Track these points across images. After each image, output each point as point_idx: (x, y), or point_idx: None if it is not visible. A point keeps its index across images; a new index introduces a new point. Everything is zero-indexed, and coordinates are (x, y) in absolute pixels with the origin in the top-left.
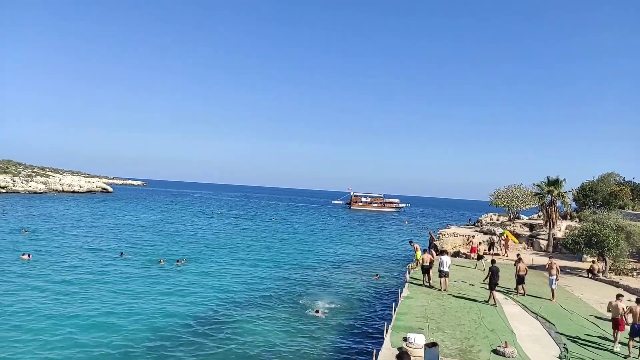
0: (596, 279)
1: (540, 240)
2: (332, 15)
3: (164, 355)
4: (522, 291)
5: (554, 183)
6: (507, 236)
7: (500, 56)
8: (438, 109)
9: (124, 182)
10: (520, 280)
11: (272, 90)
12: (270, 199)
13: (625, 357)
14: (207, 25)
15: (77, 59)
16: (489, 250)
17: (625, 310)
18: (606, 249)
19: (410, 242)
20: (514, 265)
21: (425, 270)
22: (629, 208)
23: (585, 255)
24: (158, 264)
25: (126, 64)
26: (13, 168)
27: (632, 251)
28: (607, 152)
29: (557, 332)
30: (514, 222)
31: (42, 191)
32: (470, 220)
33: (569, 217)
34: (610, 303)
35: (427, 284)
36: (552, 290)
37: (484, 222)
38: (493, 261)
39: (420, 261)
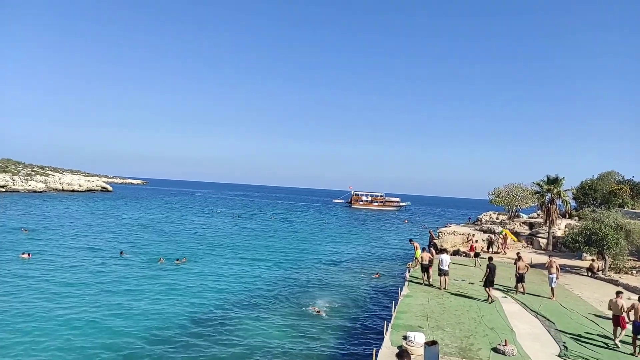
0: (596, 278)
1: (540, 239)
2: (333, 15)
3: (164, 355)
4: (521, 289)
5: (554, 181)
6: (505, 234)
7: (500, 55)
8: (438, 108)
9: (124, 181)
10: (520, 278)
11: (272, 90)
12: (270, 198)
13: (631, 354)
14: (207, 25)
15: (77, 59)
16: (488, 248)
17: (627, 307)
18: (606, 247)
19: (410, 240)
20: (514, 263)
21: (425, 268)
22: (628, 206)
23: (584, 254)
24: (158, 263)
25: (126, 63)
26: (13, 167)
27: (632, 249)
28: (607, 150)
29: (557, 331)
30: (513, 221)
31: (41, 190)
32: (469, 218)
33: (567, 216)
34: (610, 300)
35: (427, 283)
36: (552, 289)
37: (483, 220)
38: (490, 258)
39: (420, 260)
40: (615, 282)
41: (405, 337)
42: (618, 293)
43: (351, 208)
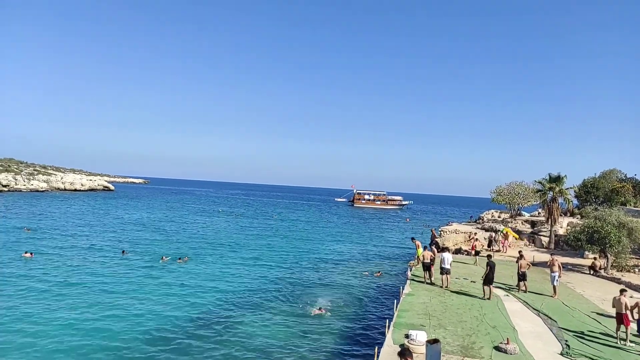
0: (598, 276)
1: (542, 237)
2: (333, 15)
3: (165, 355)
4: (523, 288)
5: (556, 180)
6: (507, 233)
7: (500, 55)
8: (438, 108)
9: (126, 180)
10: (522, 277)
11: (272, 90)
12: (271, 197)
13: (638, 353)
14: (207, 25)
15: (78, 58)
16: (489, 246)
17: (631, 305)
18: (608, 245)
19: (412, 239)
20: (516, 262)
21: (427, 267)
22: (630, 205)
23: (587, 252)
24: (160, 262)
25: (127, 63)
26: (15, 167)
27: (634, 247)
28: (609, 148)
29: (559, 329)
30: (515, 219)
31: (44, 189)
32: (471, 217)
33: (569, 214)
34: (614, 298)
35: (429, 281)
36: (554, 287)
37: (485, 219)
38: (489, 256)
39: (421, 258)
40: (618, 281)
41: (407, 336)
42: (622, 291)
43: (353, 207)
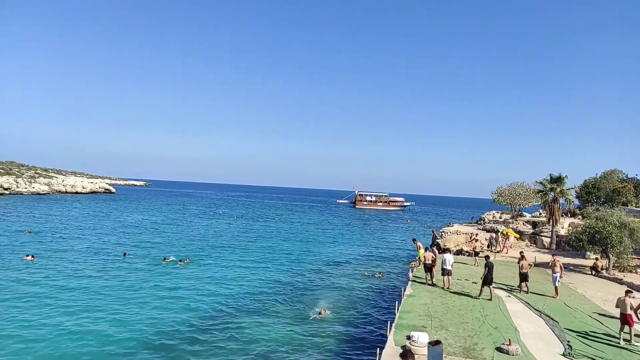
0: (600, 276)
1: (543, 238)
2: (333, 15)
3: (166, 357)
4: (525, 289)
5: (557, 180)
6: (507, 233)
7: (501, 54)
8: (439, 108)
9: (127, 182)
10: (523, 277)
11: (273, 89)
12: (272, 199)
13: None
14: (208, 25)
15: (78, 59)
16: (488, 247)
17: (635, 306)
18: (609, 246)
19: (414, 240)
20: (517, 262)
21: (428, 268)
22: (632, 205)
23: (588, 253)
24: (162, 263)
25: (127, 63)
26: (16, 169)
27: (636, 248)
28: (610, 148)
29: (561, 330)
30: (516, 220)
31: (45, 192)
32: (472, 218)
33: (570, 215)
34: (619, 299)
35: (430, 282)
36: (556, 288)
37: (486, 219)
38: (487, 257)
39: (423, 259)
40: (620, 281)
41: (408, 337)
42: (627, 292)
43: (355, 208)
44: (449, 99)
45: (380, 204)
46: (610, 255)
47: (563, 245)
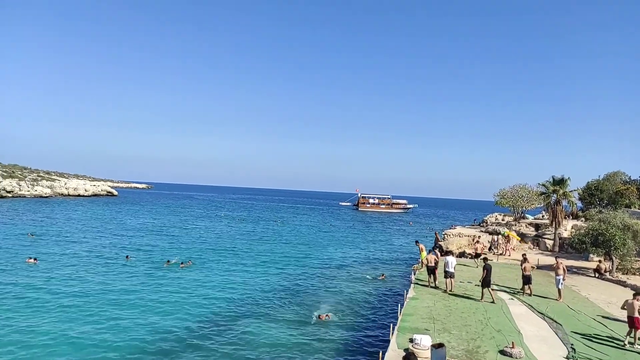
0: (603, 279)
1: (546, 240)
2: (336, 15)
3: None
4: (528, 291)
5: (559, 182)
6: (508, 235)
7: (502, 53)
8: (443, 108)
9: (129, 185)
10: (526, 280)
11: (276, 91)
12: (274, 201)
13: None
14: (208, 25)
15: (79, 60)
16: (490, 249)
17: None
18: (613, 248)
19: (417, 242)
20: (520, 265)
21: (431, 270)
22: (635, 207)
23: (591, 255)
24: (164, 266)
25: (127, 64)
26: (19, 172)
27: (639, 250)
28: (613, 150)
29: (565, 332)
30: (519, 222)
31: (47, 195)
32: (475, 220)
33: (572, 217)
34: (626, 301)
35: (433, 285)
36: (559, 290)
37: (489, 222)
38: (485, 259)
39: (425, 262)
40: (623, 283)
41: (411, 340)
42: (635, 295)
43: (358, 211)
44: (449, 99)
45: (383, 206)
46: (614, 258)
47: (566, 248)
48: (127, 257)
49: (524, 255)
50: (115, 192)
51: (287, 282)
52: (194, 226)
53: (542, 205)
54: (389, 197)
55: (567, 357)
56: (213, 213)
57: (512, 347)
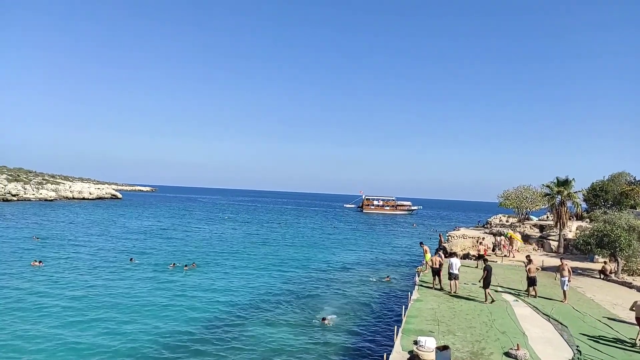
0: (608, 280)
1: (551, 242)
2: (336, 15)
3: None
4: (533, 293)
5: (564, 183)
6: (511, 237)
7: (508, 54)
8: (446, 109)
9: (133, 188)
10: (531, 281)
11: (279, 93)
12: (278, 204)
13: None
14: (213, 28)
15: (84, 64)
16: (493, 250)
17: None
18: (618, 249)
19: (421, 243)
20: (525, 266)
21: (436, 272)
22: None
23: (596, 256)
24: (168, 269)
25: (129, 66)
26: (24, 176)
27: None
28: (618, 151)
29: (570, 334)
30: (523, 224)
31: (52, 198)
32: (479, 222)
33: (577, 218)
34: (635, 302)
35: (438, 287)
36: (564, 292)
37: (493, 223)
38: (485, 260)
39: (430, 263)
40: (629, 285)
41: (416, 342)
42: None
43: (363, 213)
44: (451, 99)
45: (388, 208)
46: (619, 259)
47: (571, 249)
48: (131, 259)
49: (527, 256)
50: (120, 195)
51: (291, 285)
52: (198, 229)
53: (546, 206)
54: (394, 198)
55: (572, 359)
56: (217, 215)
57: (517, 349)
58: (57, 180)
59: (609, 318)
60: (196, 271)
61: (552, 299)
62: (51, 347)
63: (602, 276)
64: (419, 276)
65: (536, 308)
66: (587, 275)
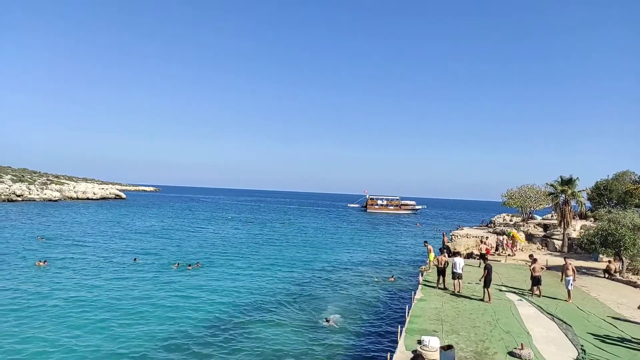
0: (613, 279)
1: (555, 241)
2: (338, 16)
3: None
4: (537, 292)
5: (568, 182)
6: (513, 236)
7: (512, 53)
8: (449, 109)
9: (137, 188)
10: (536, 281)
11: (283, 94)
12: (282, 203)
13: None
14: (216, 30)
15: (88, 66)
16: (496, 250)
17: None
18: (622, 248)
19: (425, 242)
20: (530, 266)
21: (441, 272)
22: None
23: (601, 255)
24: (172, 269)
25: (132, 68)
26: (29, 176)
27: None
28: (622, 150)
29: (574, 334)
30: (527, 223)
31: (57, 199)
32: (482, 221)
33: (579, 217)
34: None
35: (442, 286)
36: (568, 291)
37: (497, 222)
38: (485, 259)
39: (435, 262)
40: (634, 284)
41: (419, 342)
42: None
43: (367, 212)
44: (454, 99)
45: (392, 207)
46: (624, 258)
47: (575, 248)
48: (135, 259)
49: (531, 255)
50: (124, 195)
51: (294, 285)
52: (202, 229)
53: (550, 205)
54: (398, 198)
55: (576, 359)
56: (220, 215)
57: (521, 349)
58: (62, 181)
59: (613, 317)
60: (200, 271)
61: (556, 298)
62: (53, 347)
63: (606, 275)
64: (422, 275)
65: (540, 307)
66: (592, 275)
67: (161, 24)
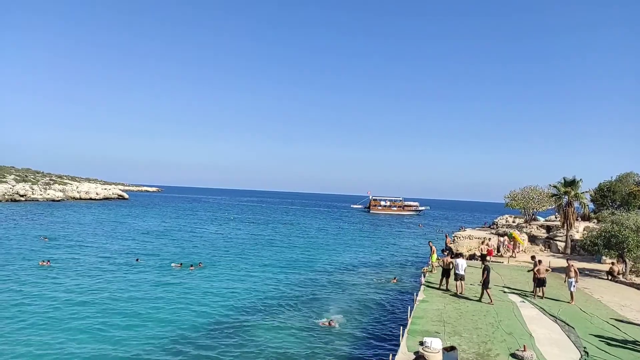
0: (616, 281)
1: (558, 242)
2: (338, 16)
3: None
4: (540, 294)
5: (571, 184)
6: (514, 237)
7: (512, 53)
8: (453, 109)
9: (140, 188)
10: (540, 282)
11: (285, 94)
12: (285, 204)
13: None
14: (217, 30)
15: (90, 66)
16: (498, 251)
17: None
18: (626, 250)
19: (430, 242)
20: (533, 267)
21: (446, 273)
22: None
23: (604, 257)
24: (174, 269)
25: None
26: (32, 176)
27: None
28: (625, 151)
29: (577, 336)
30: (530, 224)
31: (59, 199)
32: (485, 222)
33: (584, 219)
34: None
35: (444, 287)
36: (571, 293)
37: (499, 224)
38: (484, 260)
39: (440, 263)
40: (637, 286)
41: (421, 343)
42: None
43: (370, 213)
44: (457, 100)
45: (395, 208)
46: (627, 260)
47: (578, 250)
48: (137, 259)
49: (533, 257)
50: (126, 196)
51: (296, 286)
52: (204, 229)
53: (553, 207)
54: (401, 199)
55: None
56: (222, 216)
57: (524, 350)
58: (65, 181)
59: (616, 319)
60: (201, 272)
61: (559, 300)
62: (55, 347)
63: (609, 277)
64: (424, 277)
65: (543, 309)
66: (595, 277)
67: (161, 24)
